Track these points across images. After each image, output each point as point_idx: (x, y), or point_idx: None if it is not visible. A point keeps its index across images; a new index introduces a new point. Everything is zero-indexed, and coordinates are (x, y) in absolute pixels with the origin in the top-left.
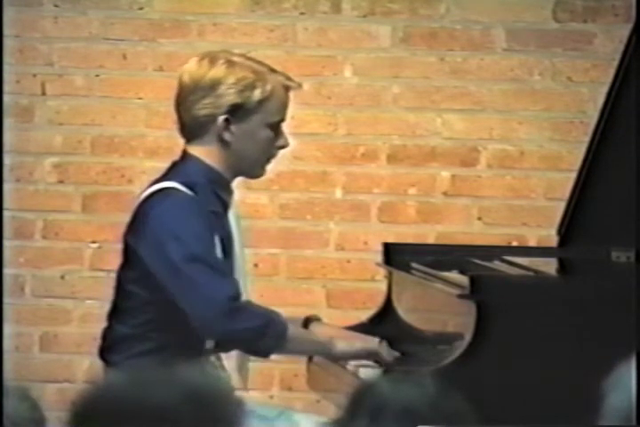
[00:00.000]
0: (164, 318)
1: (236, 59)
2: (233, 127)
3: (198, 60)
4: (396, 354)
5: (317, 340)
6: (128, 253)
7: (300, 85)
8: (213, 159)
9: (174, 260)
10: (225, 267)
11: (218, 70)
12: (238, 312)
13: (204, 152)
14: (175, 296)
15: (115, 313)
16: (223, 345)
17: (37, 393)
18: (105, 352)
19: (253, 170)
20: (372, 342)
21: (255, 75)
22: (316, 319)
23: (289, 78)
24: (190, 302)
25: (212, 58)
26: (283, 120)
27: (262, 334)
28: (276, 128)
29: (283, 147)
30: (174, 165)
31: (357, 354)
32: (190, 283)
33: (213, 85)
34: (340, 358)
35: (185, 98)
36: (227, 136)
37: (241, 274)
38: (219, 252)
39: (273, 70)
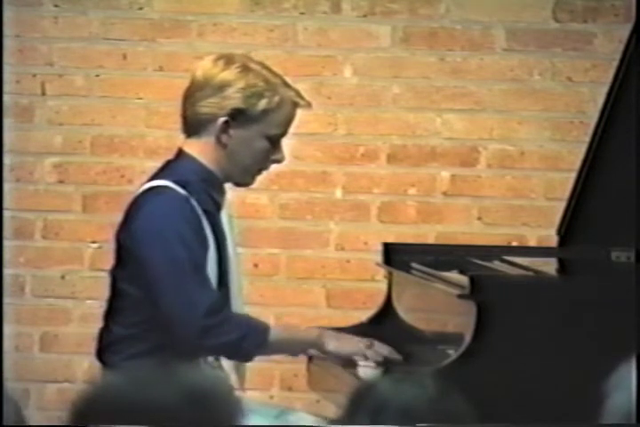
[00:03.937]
0: (159, 317)
1: (252, 65)
2: (231, 131)
3: (215, 59)
4: (393, 355)
5: (305, 339)
6: (120, 252)
7: (309, 104)
8: (208, 158)
9: (157, 262)
10: (206, 277)
11: (230, 72)
12: (213, 328)
13: (200, 150)
14: (155, 299)
15: (110, 313)
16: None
17: (37, 393)
18: (102, 353)
19: (242, 177)
20: (359, 345)
21: (266, 84)
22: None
23: (300, 95)
24: (167, 311)
25: (228, 59)
26: (284, 135)
27: (238, 347)
28: (274, 141)
29: (277, 161)
30: (168, 164)
31: (346, 356)
32: (168, 290)
33: (222, 86)
34: (329, 357)
35: (193, 93)
36: (224, 138)
37: (235, 274)
38: (212, 252)
39: (287, 84)
